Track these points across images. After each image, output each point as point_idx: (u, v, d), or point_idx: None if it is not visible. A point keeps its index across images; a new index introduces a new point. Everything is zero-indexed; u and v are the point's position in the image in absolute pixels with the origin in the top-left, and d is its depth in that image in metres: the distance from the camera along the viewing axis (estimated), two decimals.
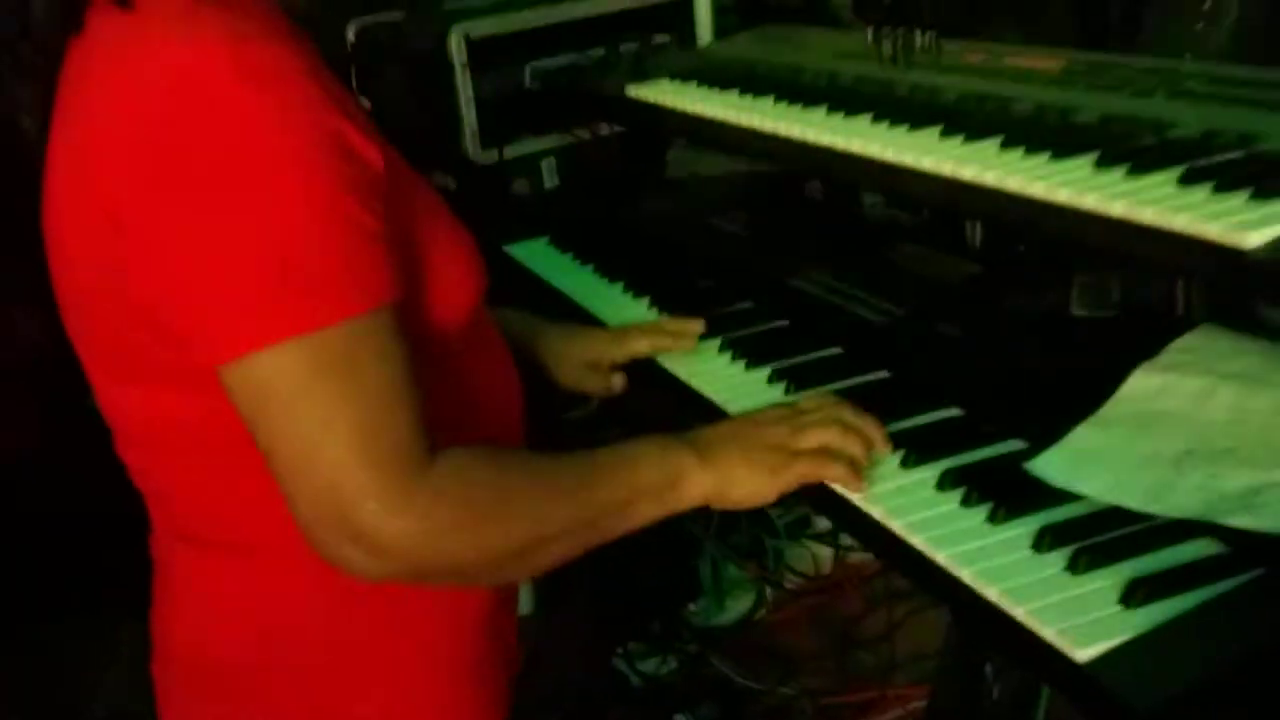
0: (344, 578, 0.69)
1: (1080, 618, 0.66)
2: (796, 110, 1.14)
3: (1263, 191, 0.73)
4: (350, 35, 1.98)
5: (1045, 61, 1.07)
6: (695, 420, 0.98)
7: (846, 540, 1.85)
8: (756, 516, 1.96)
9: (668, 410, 1.05)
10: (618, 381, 1.09)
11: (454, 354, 0.80)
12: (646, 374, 1.09)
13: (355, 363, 0.66)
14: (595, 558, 0.83)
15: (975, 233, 1.11)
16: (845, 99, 1.12)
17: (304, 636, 0.80)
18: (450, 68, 1.80)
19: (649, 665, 1.86)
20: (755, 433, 0.85)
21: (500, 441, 0.86)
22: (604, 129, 1.79)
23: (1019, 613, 0.68)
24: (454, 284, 0.78)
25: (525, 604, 1.99)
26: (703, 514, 1.94)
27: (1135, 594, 0.66)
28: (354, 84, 2.07)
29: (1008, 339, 0.99)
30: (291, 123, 0.65)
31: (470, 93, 1.80)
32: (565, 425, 1.98)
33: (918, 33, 1.20)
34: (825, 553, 1.98)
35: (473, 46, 1.79)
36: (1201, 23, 1.04)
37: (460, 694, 0.85)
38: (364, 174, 0.68)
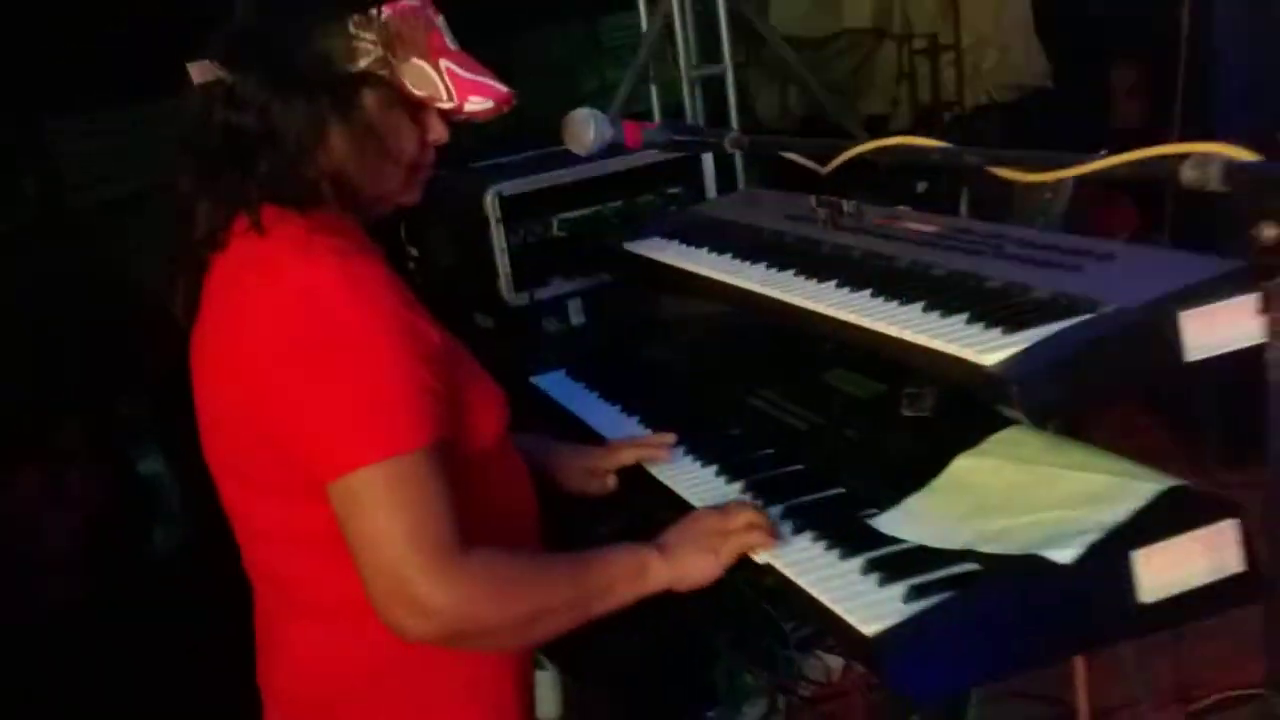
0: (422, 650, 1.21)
1: (878, 611, 1.21)
2: (744, 265, 1.75)
3: (1008, 329, 1.29)
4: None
5: (926, 226, 1.67)
6: (668, 509, 1.56)
7: None
8: (771, 629, 2.48)
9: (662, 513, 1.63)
10: (611, 482, 1.67)
11: (485, 472, 1.34)
12: (640, 481, 1.67)
13: (417, 481, 1.17)
14: (619, 667, 1.32)
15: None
16: (781, 256, 1.72)
17: (372, 678, 1.32)
18: (486, 221, 2.47)
19: None
20: (696, 527, 1.39)
21: (520, 540, 1.40)
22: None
23: (840, 611, 1.23)
24: (485, 420, 1.33)
25: (552, 708, 2.54)
26: (720, 625, 2.47)
27: (910, 594, 1.21)
28: (403, 236, 2.76)
29: (887, 438, 1.55)
30: (382, 315, 1.20)
31: (503, 243, 2.47)
32: (599, 538, 2.54)
33: (844, 202, 1.80)
34: (837, 663, 2.49)
35: (505, 202, 2.47)
36: (1048, 195, 1.63)
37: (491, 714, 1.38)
38: (427, 349, 1.22)
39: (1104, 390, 1.27)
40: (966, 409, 1.48)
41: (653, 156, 2.61)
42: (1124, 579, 1.19)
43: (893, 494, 1.41)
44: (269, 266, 1.23)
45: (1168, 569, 1.21)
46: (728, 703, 2.52)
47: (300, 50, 1.25)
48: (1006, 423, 1.46)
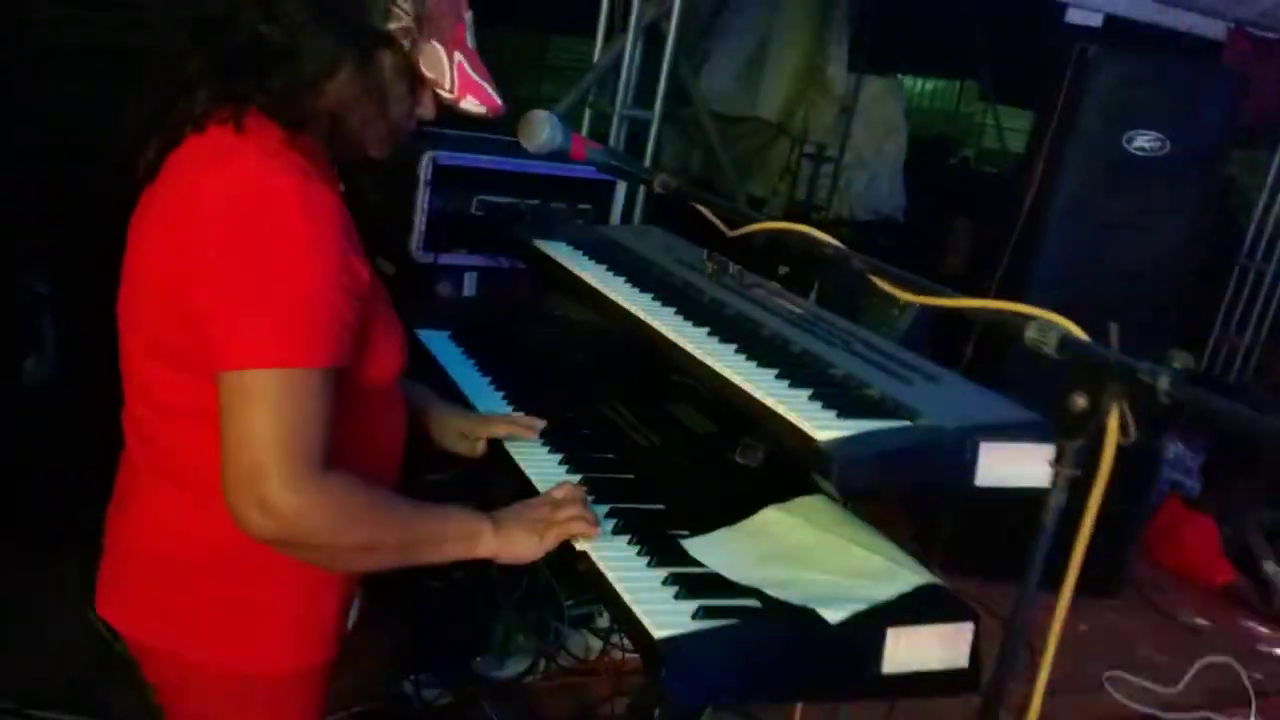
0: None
1: (669, 620, 1.20)
2: (635, 292, 1.72)
3: (844, 413, 1.31)
4: None
5: (794, 305, 1.68)
6: (511, 481, 1.52)
7: (616, 639, 2.37)
8: (551, 602, 2.46)
9: (502, 482, 1.58)
10: (480, 447, 1.62)
11: (369, 408, 1.28)
12: (492, 451, 1.62)
13: (305, 395, 1.11)
14: (417, 600, 1.29)
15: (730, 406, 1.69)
16: (668, 294, 1.71)
17: (214, 553, 1.23)
18: (415, 181, 2.39)
19: (430, 694, 2.31)
20: (528, 511, 1.36)
21: (381, 474, 1.34)
22: (519, 263, 2.37)
23: (639, 611, 1.22)
24: (384, 362, 1.28)
25: (351, 617, 2.45)
26: (508, 588, 2.44)
27: (699, 612, 1.20)
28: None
29: (709, 471, 1.55)
30: (324, 241, 1.14)
31: (425, 205, 2.39)
32: (428, 485, 2.48)
33: (730, 263, 1.81)
34: (597, 644, 2.49)
35: (437, 169, 2.39)
36: (896, 311, 1.67)
37: (320, 618, 1.31)
38: (355, 284, 1.16)
39: (905, 486, 1.30)
40: (786, 469, 1.50)
41: (576, 171, 2.59)
42: (873, 649, 1.22)
43: (704, 523, 1.41)
44: (236, 159, 1.15)
45: (910, 650, 1.24)
46: (497, 654, 2.49)
47: None
48: (813, 489, 1.49)
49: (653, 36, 3.54)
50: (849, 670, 1.23)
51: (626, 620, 1.23)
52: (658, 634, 1.17)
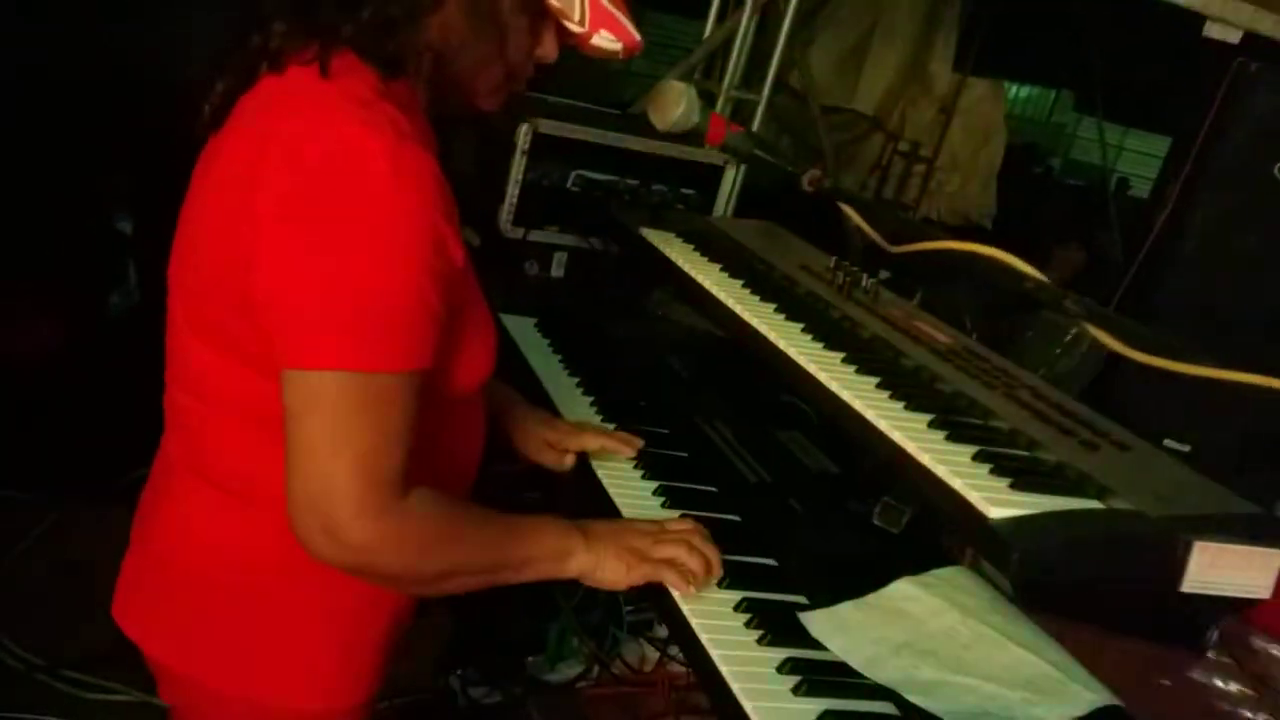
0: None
1: None
2: (755, 301, 1.44)
3: (1019, 484, 1.03)
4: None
5: (941, 335, 1.39)
6: (591, 503, 1.26)
7: (674, 651, 2.11)
8: (610, 607, 2.21)
9: (577, 490, 1.32)
10: (569, 461, 1.35)
11: (450, 416, 1.04)
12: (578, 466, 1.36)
13: (383, 404, 0.88)
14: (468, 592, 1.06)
15: (848, 443, 1.40)
16: (792, 306, 1.42)
17: (273, 574, 1.00)
18: (512, 148, 2.12)
19: (478, 691, 2.08)
20: (627, 536, 1.11)
21: (456, 483, 1.10)
22: (614, 248, 2.10)
23: (748, 706, 0.95)
24: (475, 363, 1.03)
25: None
26: (569, 590, 2.19)
27: (826, 718, 0.93)
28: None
29: (829, 525, 1.28)
30: (415, 215, 0.87)
31: (520, 175, 2.12)
32: (495, 476, 2.24)
33: (864, 275, 1.52)
34: (653, 654, 2.24)
35: (536, 138, 2.12)
36: (1059, 350, 1.37)
37: (364, 649, 1.07)
38: (446, 269, 0.91)
39: (1092, 581, 1.01)
40: (928, 532, 1.22)
41: (685, 154, 2.31)
42: None
43: (822, 588, 1.14)
44: (317, 106, 0.90)
45: None
46: (549, 657, 2.25)
47: None
48: (947, 560, 1.20)
49: (765, 16, 3.23)
50: None
51: (733, 714, 0.96)
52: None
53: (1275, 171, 2.97)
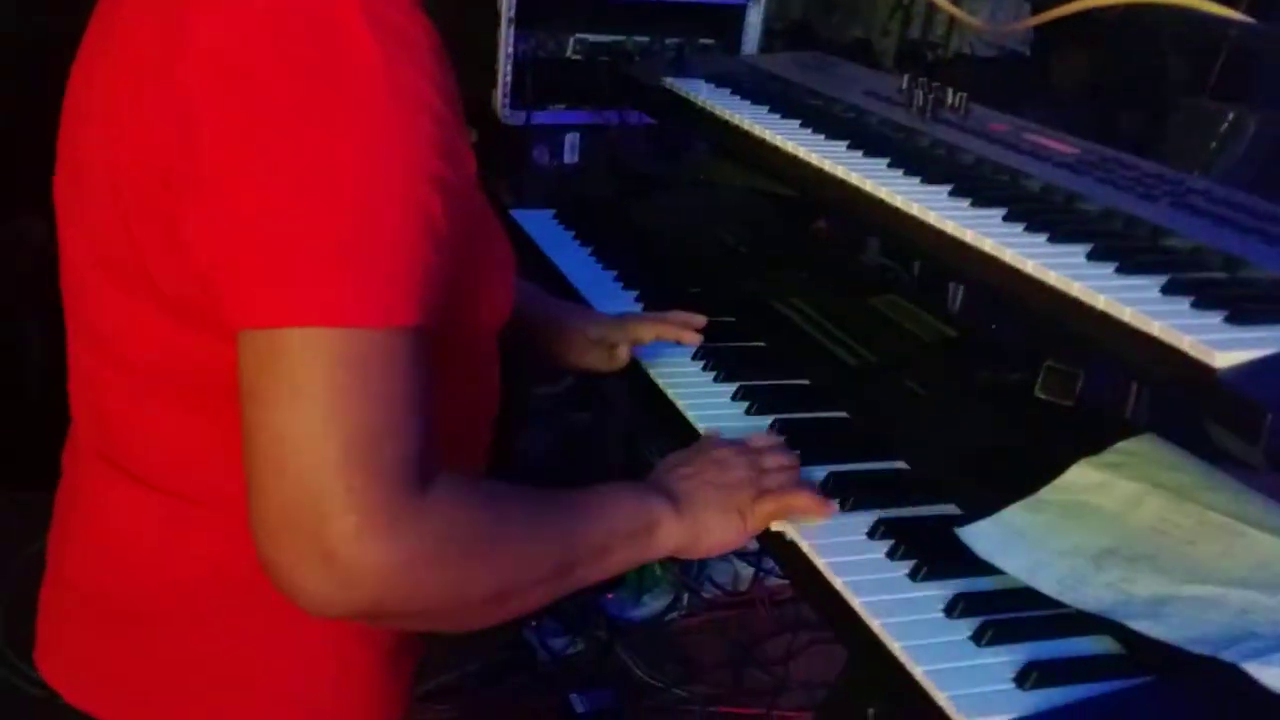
0: None
1: (974, 688, 0.68)
2: (820, 139, 1.14)
3: (1237, 316, 0.74)
4: None
5: (1062, 146, 1.08)
6: (658, 423, 0.99)
7: (768, 564, 1.87)
8: None
9: (637, 410, 1.05)
10: (623, 355, 1.06)
11: (468, 363, 0.77)
12: (628, 369, 1.09)
13: (385, 371, 0.59)
14: None
15: (958, 298, 1.12)
16: (868, 139, 1.12)
17: (224, 597, 0.73)
18: (496, 19, 1.80)
19: (558, 643, 1.87)
20: (723, 479, 0.83)
21: (471, 452, 0.84)
22: (633, 117, 1.79)
23: (918, 671, 0.69)
24: (492, 303, 0.76)
25: None
26: None
27: (1029, 676, 0.68)
28: None
29: (967, 406, 1.00)
30: (408, 89, 0.60)
31: (511, 49, 1.80)
32: (535, 400, 1.98)
33: (950, 91, 1.20)
34: (746, 571, 2.00)
35: (522, 3, 1.79)
36: (1215, 143, 1.06)
37: (366, 685, 0.79)
38: (456, 179, 0.63)
39: None
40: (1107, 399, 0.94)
41: None
42: None
43: (979, 491, 0.87)
44: None
45: None
46: (632, 589, 2.03)
47: None
48: (1132, 429, 0.92)
49: None
50: None
51: (899, 692, 0.71)
52: None
53: None
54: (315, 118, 0.59)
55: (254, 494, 0.59)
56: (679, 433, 0.99)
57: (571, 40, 1.87)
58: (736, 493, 0.82)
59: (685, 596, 2.05)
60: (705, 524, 0.80)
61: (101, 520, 0.76)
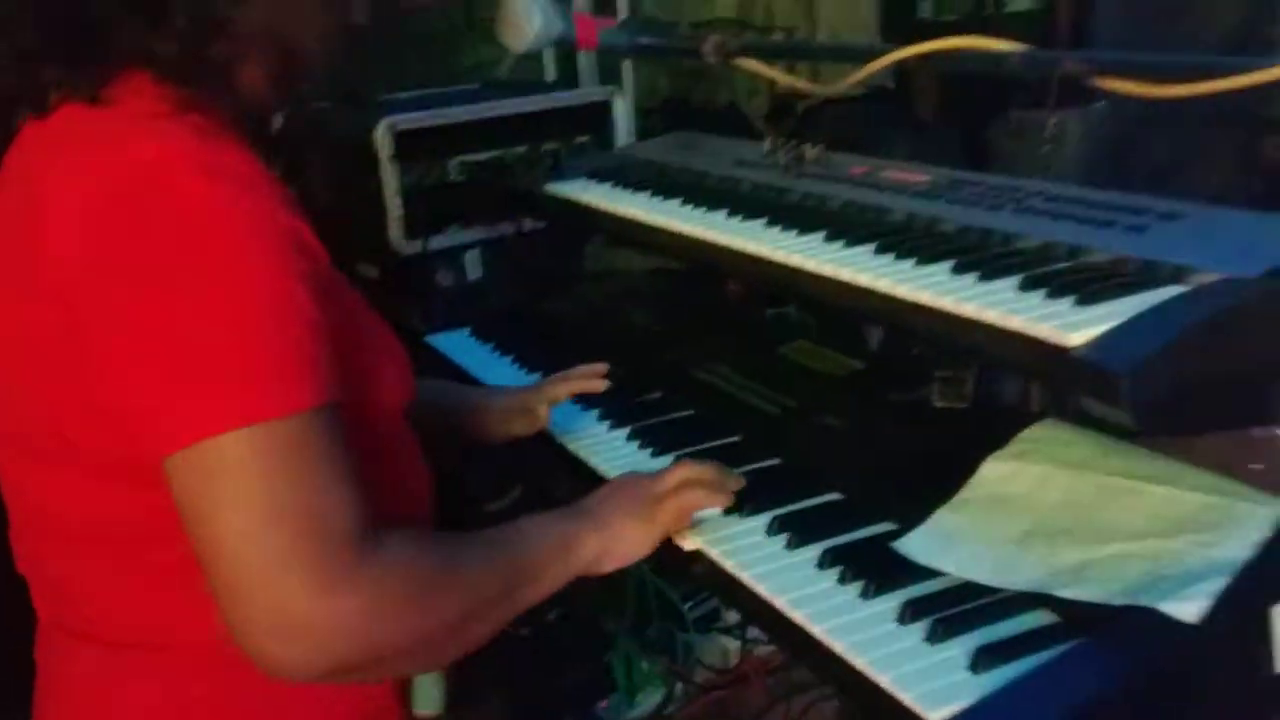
0: (264, 681, 0.69)
1: (934, 683, 0.75)
2: (701, 213, 1.25)
3: (1084, 299, 0.85)
4: (276, 124, 2.08)
5: (916, 176, 1.21)
6: None
7: (753, 632, 1.93)
8: (668, 611, 2.02)
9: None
10: (543, 414, 1.17)
11: (386, 447, 0.85)
12: (569, 466, 1.18)
13: (308, 452, 0.69)
14: (506, 657, 0.88)
15: (859, 331, 1.22)
16: (744, 204, 1.24)
17: None
18: (376, 159, 1.90)
19: None
20: (627, 487, 0.95)
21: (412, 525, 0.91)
22: (526, 223, 1.90)
23: (884, 680, 0.77)
24: (386, 387, 0.84)
25: (435, 704, 2.02)
26: (617, 609, 2.00)
27: (980, 661, 0.76)
28: (279, 173, 2.16)
29: (882, 429, 1.10)
30: (251, 215, 0.71)
31: (396, 184, 1.91)
32: (485, 517, 2.03)
33: (808, 146, 1.33)
34: (733, 645, 2.05)
35: (400, 138, 1.90)
36: (1046, 147, 1.19)
37: None
38: (315, 269, 0.74)
39: (1219, 377, 0.84)
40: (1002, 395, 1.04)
41: (563, 100, 2.10)
42: (1259, 644, 0.77)
43: (905, 506, 0.96)
44: (97, 146, 0.74)
45: None
46: (624, 693, 2.05)
47: None
48: (1027, 420, 1.03)
49: None
50: (1226, 689, 0.78)
51: (870, 704, 0.78)
52: (934, 717, 0.73)
53: None
54: (176, 264, 0.69)
55: (225, 601, 0.68)
56: None
57: (453, 164, 1.98)
58: (641, 500, 0.92)
59: (678, 686, 2.08)
60: (615, 531, 0.90)
61: (68, 690, 0.84)
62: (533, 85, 2.33)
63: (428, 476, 0.95)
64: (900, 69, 1.56)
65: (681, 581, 1.94)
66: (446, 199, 1.96)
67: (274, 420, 0.68)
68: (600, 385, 1.17)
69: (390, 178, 1.89)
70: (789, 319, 1.38)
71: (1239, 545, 0.79)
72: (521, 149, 2.05)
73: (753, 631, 1.98)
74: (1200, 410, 0.80)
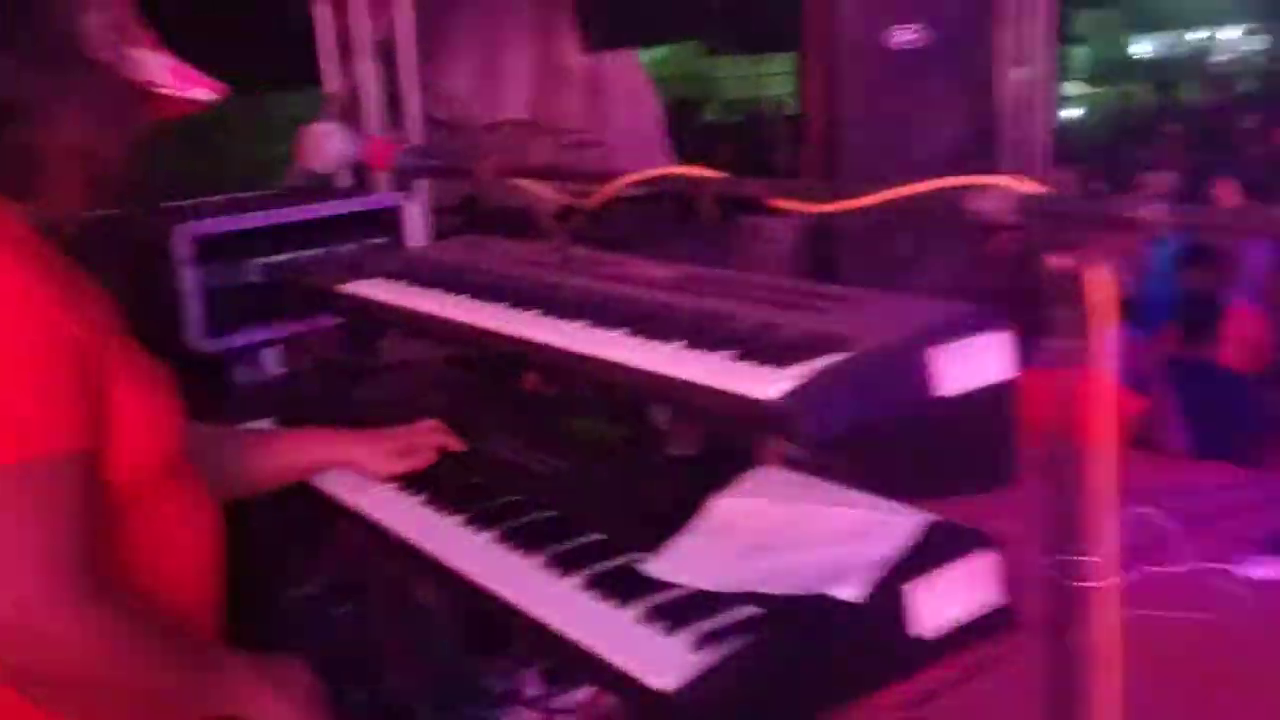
0: None
1: (668, 663, 0.99)
2: (483, 305, 1.48)
3: (775, 363, 1.14)
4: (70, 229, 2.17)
5: (664, 271, 1.50)
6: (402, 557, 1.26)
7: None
8: (462, 690, 2.14)
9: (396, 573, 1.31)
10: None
11: (144, 502, 1.03)
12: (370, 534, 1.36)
13: (51, 495, 0.89)
14: None
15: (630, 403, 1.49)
16: (521, 297, 1.48)
17: None
18: (170, 262, 2.03)
19: None
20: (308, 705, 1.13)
21: (189, 586, 1.09)
22: (326, 319, 2.07)
23: (626, 665, 1.00)
24: (147, 432, 1.02)
25: None
26: (420, 694, 2.11)
27: (702, 644, 1.00)
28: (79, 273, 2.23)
29: (640, 481, 1.35)
30: (8, 289, 0.91)
31: (194, 285, 2.04)
32: (289, 601, 2.11)
33: (578, 247, 1.61)
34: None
35: (198, 242, 2.05)
36: (765, 247, 1.52)
37: None
38: (69, 339, 0.93)
39: (872, 421, 1.14)
40: (723, 451, 1.32)
41: (356, 205, 2.31)
42: (899, 613, 1.06)
43: (656, 538, 1.20)
44: None
45: (935, 602, 1.09)
46: None
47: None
48: (750, 464, 1.31)
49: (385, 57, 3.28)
50: (880, 650, 1.06)
51: (614, 682, 1.01)
52: (661, 683, 0.96)
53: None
54: None
55: None
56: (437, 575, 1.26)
57: (252, 265, 2.14)
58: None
59: None
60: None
61: None
62: (328, 190, 2.52)
63: (211, 544, 1.12)
64: None
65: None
66: (246, 299, 2.11)
67: (21, 462, 0.87)
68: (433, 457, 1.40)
69: (187, 282, 2.02)
70: (578, 397, 1.62)
71: (888, 546, 1.09)
72: (319, 250, 2.23)
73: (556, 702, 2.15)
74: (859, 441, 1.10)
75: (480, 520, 1.30)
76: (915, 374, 1.11)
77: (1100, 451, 0.89)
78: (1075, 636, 0.88)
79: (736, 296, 1.38)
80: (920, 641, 1.06)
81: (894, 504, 1.19)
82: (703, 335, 1.26)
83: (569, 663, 1.08)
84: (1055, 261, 0.89)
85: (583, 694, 2.17)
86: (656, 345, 1.25)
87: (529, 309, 1.44)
